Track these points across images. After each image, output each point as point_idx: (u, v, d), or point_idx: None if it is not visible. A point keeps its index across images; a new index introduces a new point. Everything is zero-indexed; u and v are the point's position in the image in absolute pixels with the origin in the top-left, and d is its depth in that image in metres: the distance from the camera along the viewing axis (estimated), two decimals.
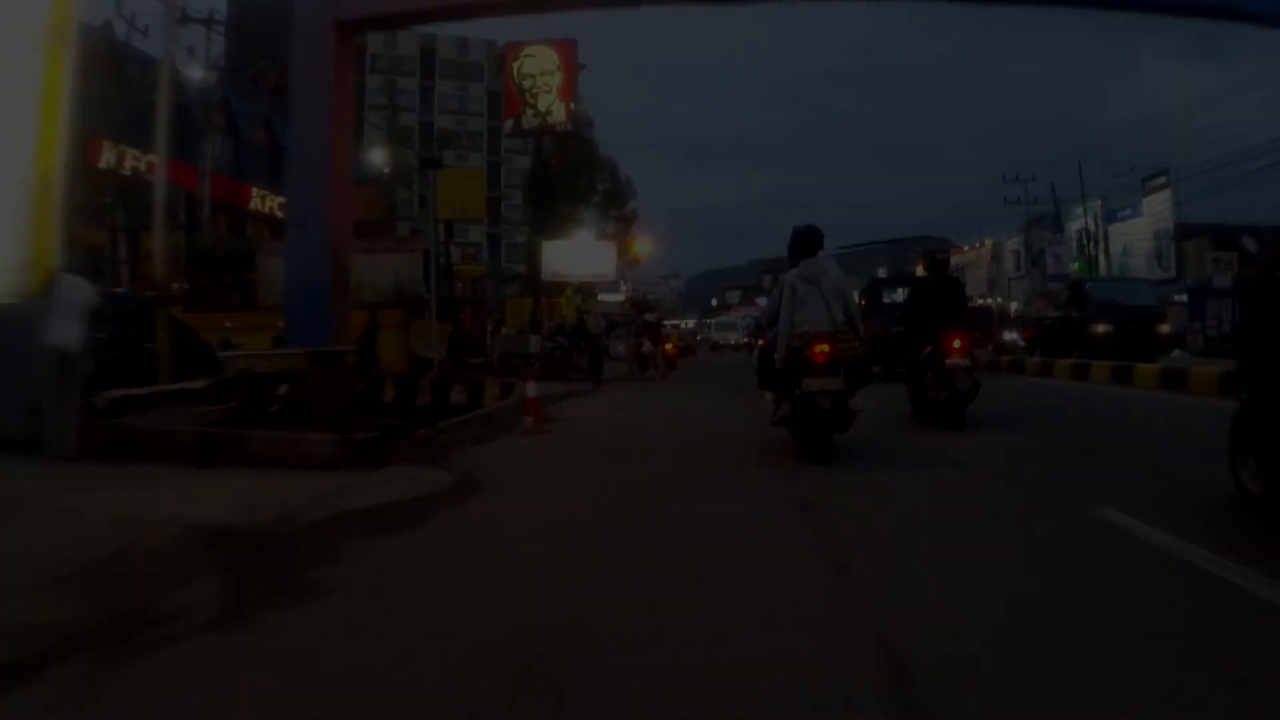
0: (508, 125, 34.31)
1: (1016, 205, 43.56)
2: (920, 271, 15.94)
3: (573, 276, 31.83)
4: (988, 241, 58.08)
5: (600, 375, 18.01)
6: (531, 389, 8.88)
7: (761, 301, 58.70)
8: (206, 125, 25.06)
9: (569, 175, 34.59)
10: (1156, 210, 35.21)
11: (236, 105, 35.58)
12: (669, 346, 19.20)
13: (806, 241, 7.02)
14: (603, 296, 54.52)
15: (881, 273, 72.24)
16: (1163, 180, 34.96)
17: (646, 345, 18.82)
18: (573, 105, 33.45)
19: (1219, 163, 35.67)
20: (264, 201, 33.81)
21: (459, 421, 9.08)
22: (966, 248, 64.91)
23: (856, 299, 8.67)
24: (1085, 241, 36.19)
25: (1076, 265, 37.57)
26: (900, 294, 16.18)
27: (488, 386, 13.02)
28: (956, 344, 8.43)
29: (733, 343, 52.70)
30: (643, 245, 57.80)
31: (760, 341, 8.87)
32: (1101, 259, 37.41)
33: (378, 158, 38.45)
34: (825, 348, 6.39)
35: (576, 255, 31.76)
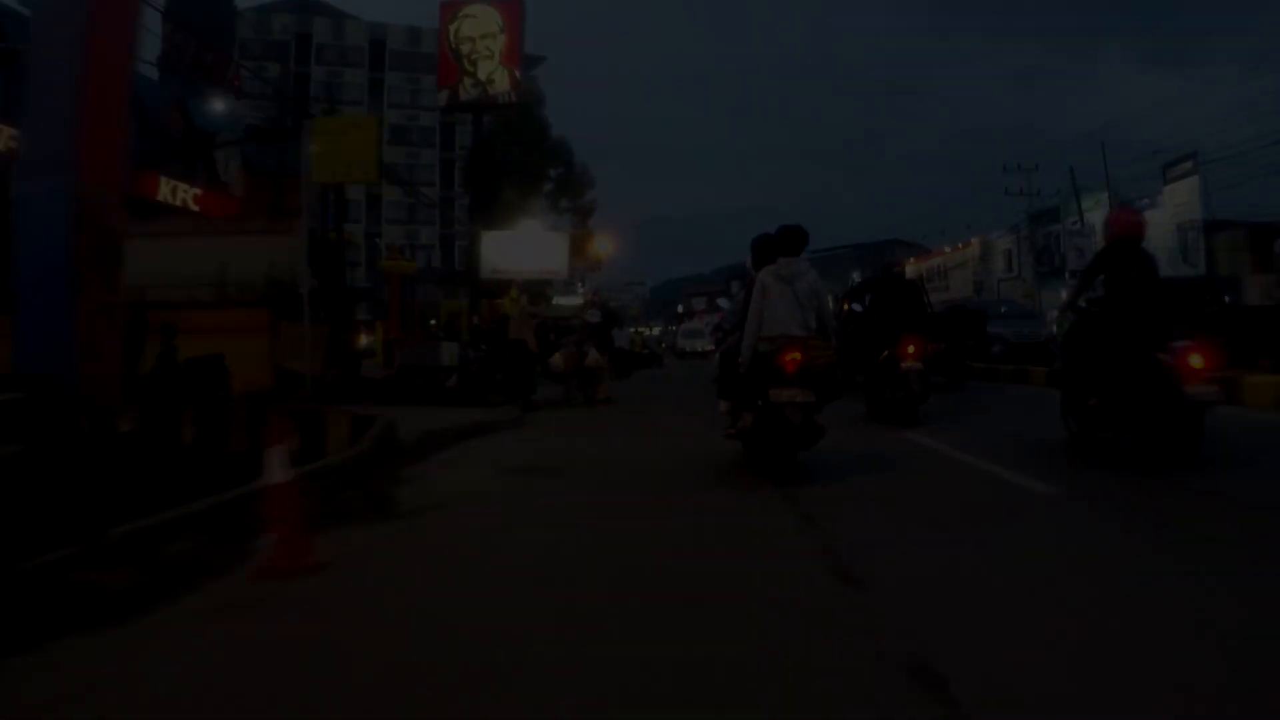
0: (442, 96, 29.43)
1: (1017, 197, 39.67)
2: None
3: (516, 272, 26.94)
4: (974, 241, 54.34)
5: (531, 398, 13.25)
6: (277, 468, 3.85)
7: (725, 304, 55.91)
8: None
9: (515, 157, 29.78)
10: (1180, 200, 31.19)
11: (142, 81, 30.38)
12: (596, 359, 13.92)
13: (790, 241, 6.45)
14: (559, 299, 49.90)
15: (856, 277, 70.95)
16: (1189, 166, 30.97)
17: (592, 355, 13.99)
18: (518, 73, 28.77)
19: (1248, 148, 31.76)
20: (175, 193, 28.33)
21: (161, 524, 4.28)
22: (948, 248, 61.34)
23: (839, 305, 9.71)
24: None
25: None
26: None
27: (334, 425, 8.19)
28: (911, 349, 9.17)
29: (700, 349, 50.49)
30: (604, 245, 53.21)
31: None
32: None
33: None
34: (797, 355, 5.82)
35: (521, 248, 26.88)
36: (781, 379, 5.73)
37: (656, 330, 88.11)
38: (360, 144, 13.29)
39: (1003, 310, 22.83)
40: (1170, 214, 31.94)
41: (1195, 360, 5.63)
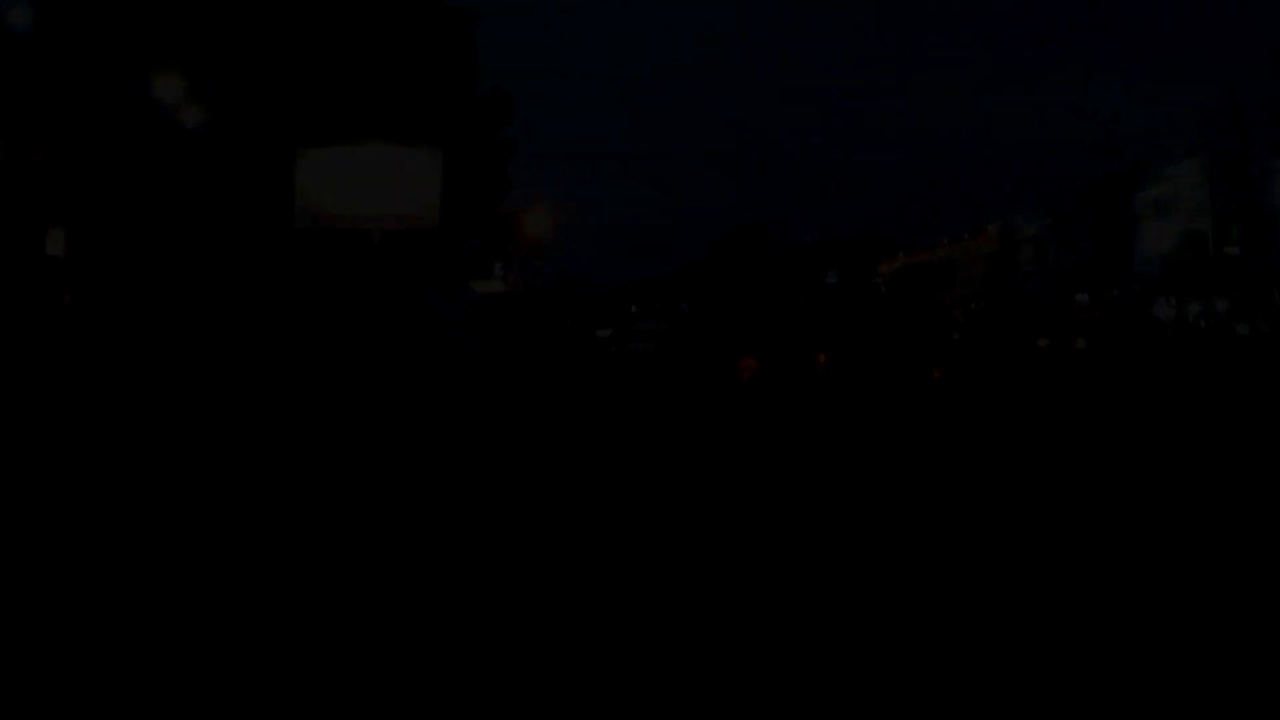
0: None
1: (1092, 153, 30.33)
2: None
3: (352, 219, 16.04)
4: (990, 230, 44.99)
5: None
6: None
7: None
8: None
9: (377, 39, 18.86)
10: None
11: None
12: None
13: (749, 241, 3.61)
14: (478, 285, 38.90)
15: (832, 277, 62.40)
16: None
17: None
18: None
19: None
20: None
21: None
22: (947, 240, 52.16)
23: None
24: None
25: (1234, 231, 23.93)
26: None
27: None
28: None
29: (649, 349, 44.94)
30: (539, 222, 42.30)
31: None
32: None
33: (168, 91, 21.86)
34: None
35: (365, 179, 16.02)
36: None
37: (607, 334, 78.81)
38: None
39: None
40: None
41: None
